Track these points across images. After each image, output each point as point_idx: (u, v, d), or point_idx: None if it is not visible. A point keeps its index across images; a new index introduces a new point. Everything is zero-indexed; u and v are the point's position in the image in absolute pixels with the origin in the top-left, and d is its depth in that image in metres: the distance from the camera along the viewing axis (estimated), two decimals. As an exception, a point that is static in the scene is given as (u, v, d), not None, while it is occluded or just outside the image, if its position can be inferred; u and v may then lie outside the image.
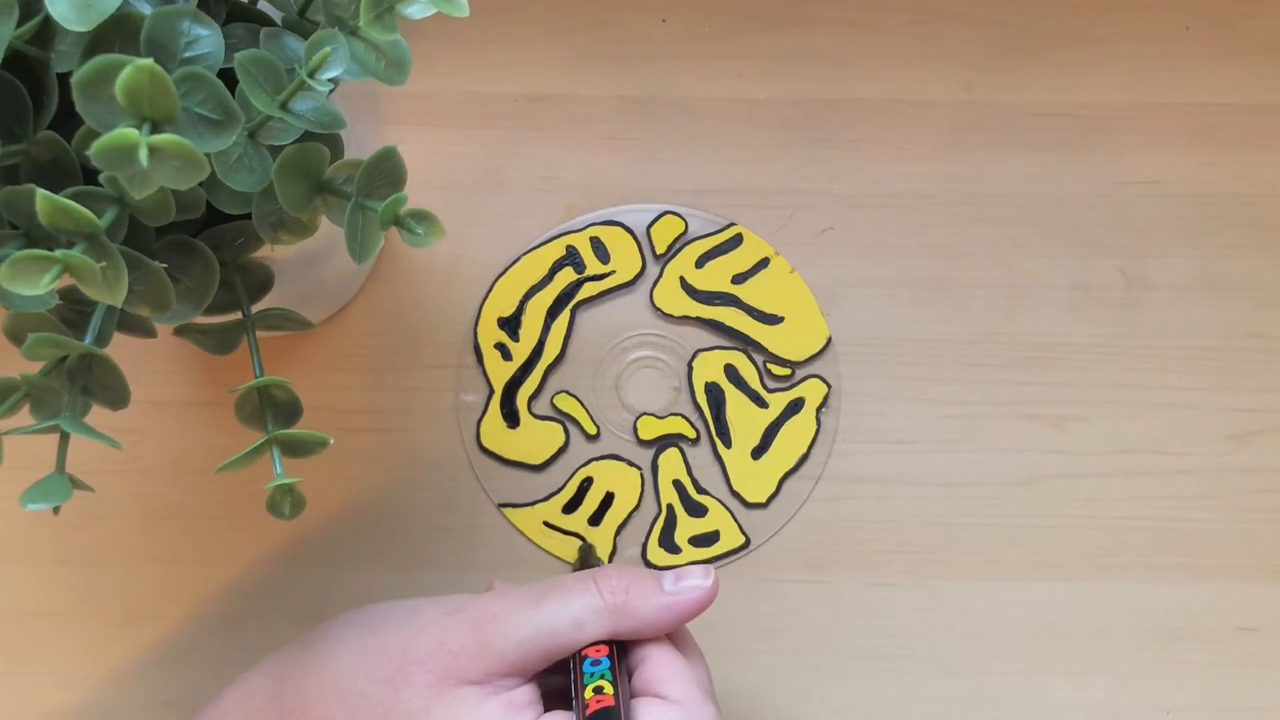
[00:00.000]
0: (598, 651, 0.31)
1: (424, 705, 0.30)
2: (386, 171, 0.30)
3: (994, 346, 0.46)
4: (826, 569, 0.44)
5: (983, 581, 0.44)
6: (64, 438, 0.29)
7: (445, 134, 0.48)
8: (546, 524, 0.44)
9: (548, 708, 0.31)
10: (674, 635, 0.34)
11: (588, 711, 0.29)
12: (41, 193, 0.24)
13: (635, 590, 0.32)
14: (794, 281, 0.47)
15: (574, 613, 0.32)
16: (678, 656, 0.32)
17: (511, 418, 0.45)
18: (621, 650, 0.32)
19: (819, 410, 0.45)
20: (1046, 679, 0.43)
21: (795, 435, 0.45)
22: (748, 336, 0.46)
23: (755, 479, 0.45)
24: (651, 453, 0.45)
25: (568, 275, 0.47)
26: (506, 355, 0.46)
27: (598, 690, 0.30)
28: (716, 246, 0.47)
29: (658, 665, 0.32)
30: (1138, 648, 0.43)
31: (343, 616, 0.34)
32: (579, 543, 0.44)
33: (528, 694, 0.31)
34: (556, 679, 0.32)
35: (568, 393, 0.46)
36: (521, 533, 0.44)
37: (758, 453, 0.45)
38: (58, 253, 0.24)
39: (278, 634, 0.36)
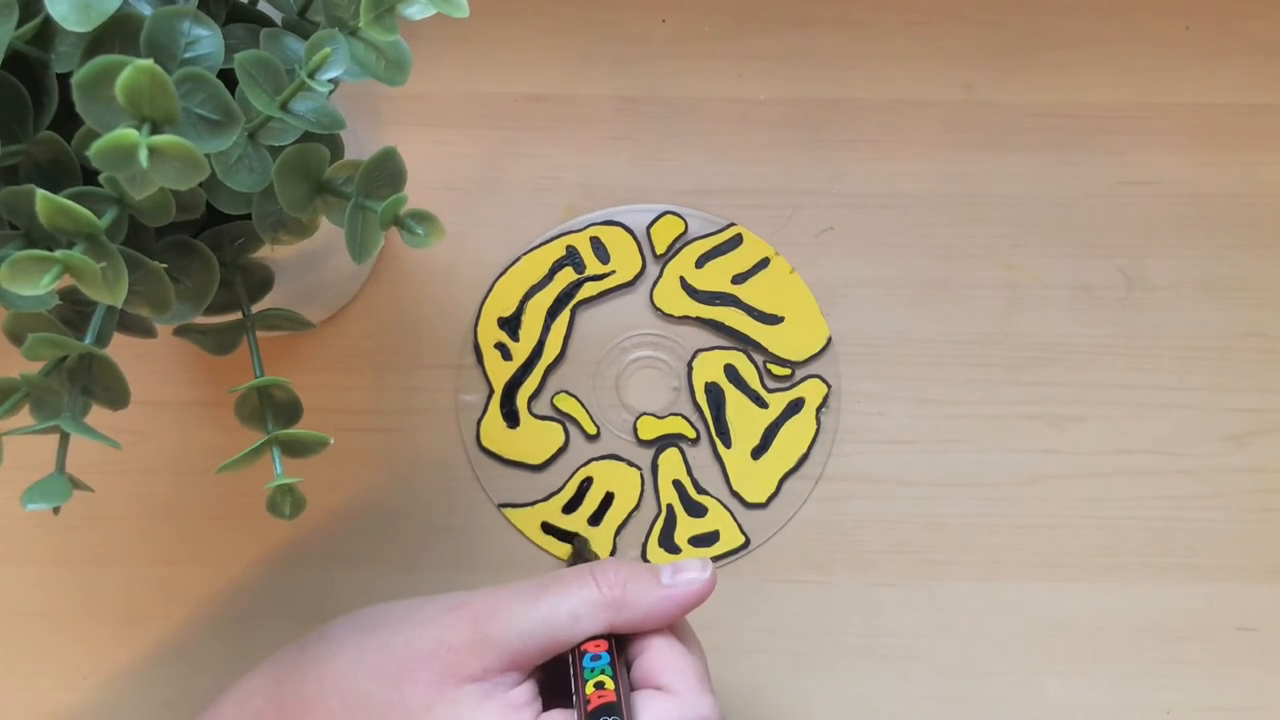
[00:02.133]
0: (597, 646, 0.31)
1: (425, 704, 0.30)
2: (386, 172, 0.30)
3: (994, 346, 0.46)
4: (826, 569, 0.44)
5: (983, 581, 0.44)
6: (64, 438, 0.29)
7: (445, 134, 0.48)
8: (546, 524, 0.44)
9: (547, 705, 0.31)
10: (673, 625, 0.34)
11: (589, 708, 0.29)
12: (41, 193, 0.24)
13: (633, 583, 0.32)
14: (794, 281, 0.47)
15: (572, 607, 0.32)
16: (676, 646, 0.32)
17: (511, 418, 0.45)
18: (620, 643, 0.32)
19: (819, 410, 0.45)
20: (1046, 679, 0.43)
21: (795, 435, 0.45)
22: (748, 336, 0.46)
23: (755, 479, 0.45)
24: (651, 453, 0.45)
25: (568, 275, 0.47)
26: (506, 355, 0.46)
27: (599, 686, 0.30)
28: (716, 246, 0.47)
29: (656, 656, 0.32)
30: (1138, 648, 0.43)
31: (342, 618, 0.34)
32: (571, 544, 0.44)
33: (526, 693, 0.31)
34: (555, 678, 0.32)
35: (568, 393, 0.46)
36: (521, 533, 0.44)
37: (758, 453, 0.45)
38: (58, 253, 0.24)
39: (278, 634, 0.36)
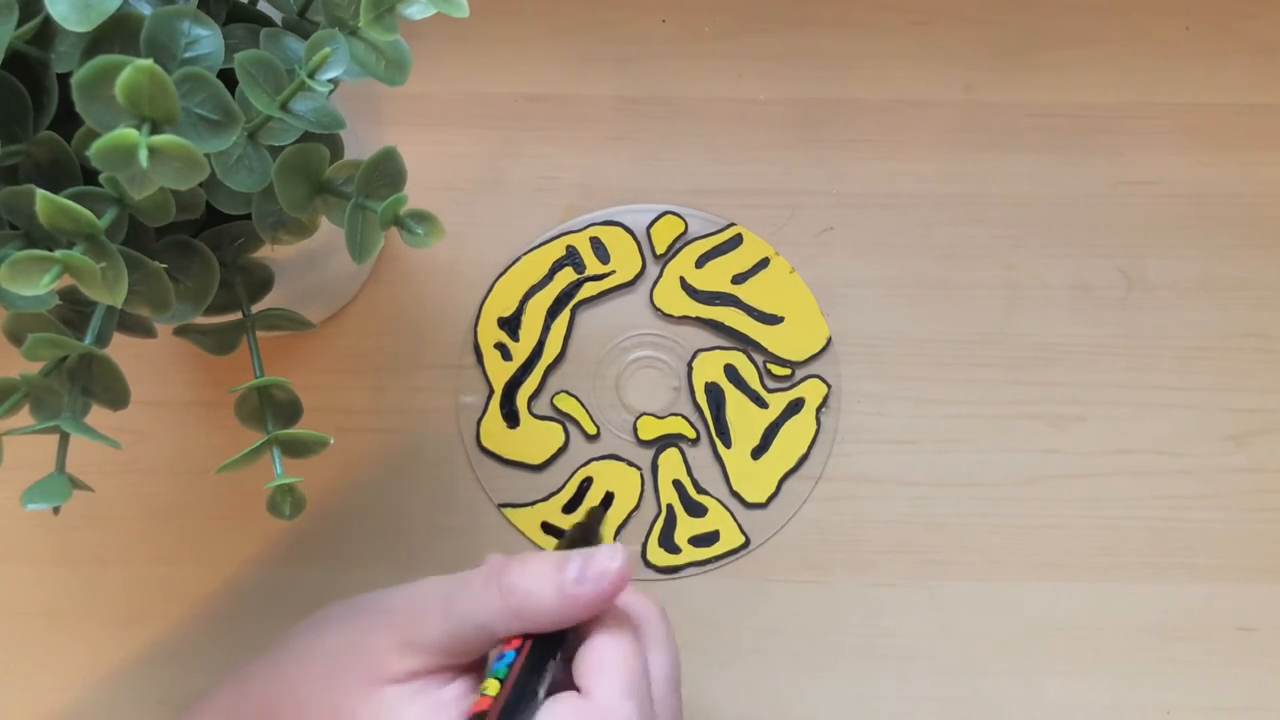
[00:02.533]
0: (511, 645, 0.30)
1: (352, 708, 0.30)
2: (386, 172, 0.30)
3: (994, 346, 0.46)
4: (826, 569, 0.44)
5: (983, 581, 0.44)
6: (64, 438, 0.29)
7: (445, 134, 0.48)
8: (546, 524, 0.44)
9: None
10: (637, 618, 0.31)
11: (467, 716, 0.28)
12: (41, 193, 0.24)
13: (530, 587, 0.30)
14: (794, 281, 0.47)
15: (478, 617, 0.30)
16: (611, 643, 0.30)
17: (511, 418, 0.45)
18: (558, 637, 0.30)
19: (819, 410, 0.45)
20: (1046, 679, 0.43)
21: (795, 435, 0.45)
22: (748, 336, 0.46)
23: (755, 479, 0.45)
24: (651, 453, 0.45)
25: (568, 275, 0.47)
26: (506, 355, 0.46)
27: (484, 691, 0.28)
28: (716, 246, 0.47)
29: (587, 653, 0.30)
30: (1138, 648, 0.43)
31: (314, 615, 0.34)
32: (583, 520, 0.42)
33: (457, 690, 0.30)
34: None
35: (568, 393, 0.46)
36: (521, 533, 0.44)
37: (758, 453, 0.45)
38: (58, 253, 0.24)
39: (278, 634, 0.36)
